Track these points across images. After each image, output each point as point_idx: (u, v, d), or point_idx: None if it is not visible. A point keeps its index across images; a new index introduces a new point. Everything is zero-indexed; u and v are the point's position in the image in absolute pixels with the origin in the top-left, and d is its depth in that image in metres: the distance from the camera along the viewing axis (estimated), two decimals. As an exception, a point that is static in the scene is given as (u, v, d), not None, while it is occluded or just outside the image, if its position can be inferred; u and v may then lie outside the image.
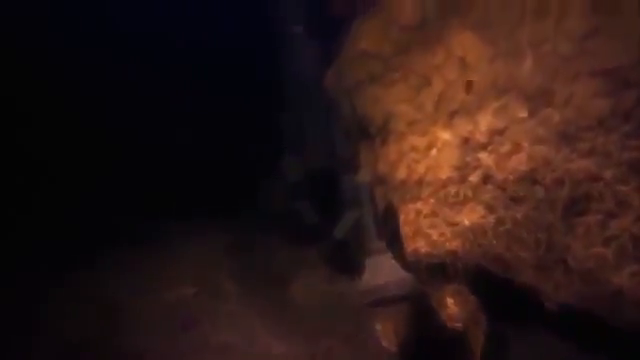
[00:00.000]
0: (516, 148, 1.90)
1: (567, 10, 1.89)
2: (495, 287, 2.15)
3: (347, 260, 2.35)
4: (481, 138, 2.03)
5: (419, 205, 2.29)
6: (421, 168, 2.28)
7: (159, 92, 2.89)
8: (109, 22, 2.79)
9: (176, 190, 2.92)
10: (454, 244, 2.16)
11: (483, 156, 2.05)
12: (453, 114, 2.18)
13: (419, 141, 2.31)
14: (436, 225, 2.23)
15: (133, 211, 2.83)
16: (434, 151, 2.26)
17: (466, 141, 2.10)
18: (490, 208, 2.04)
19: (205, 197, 2.83)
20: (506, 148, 1.93)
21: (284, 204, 2.68)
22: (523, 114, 1.91)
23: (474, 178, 2.09)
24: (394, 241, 2.19)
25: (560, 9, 1.91)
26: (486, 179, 2.04)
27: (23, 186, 2.87)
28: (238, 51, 2.82)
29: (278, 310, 2.41)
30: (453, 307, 2.34)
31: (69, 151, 3.00)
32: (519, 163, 1.88)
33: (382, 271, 2.12)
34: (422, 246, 2.27)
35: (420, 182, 2.27)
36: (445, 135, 2.22)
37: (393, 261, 2.17)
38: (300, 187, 2.62)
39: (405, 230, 2.22)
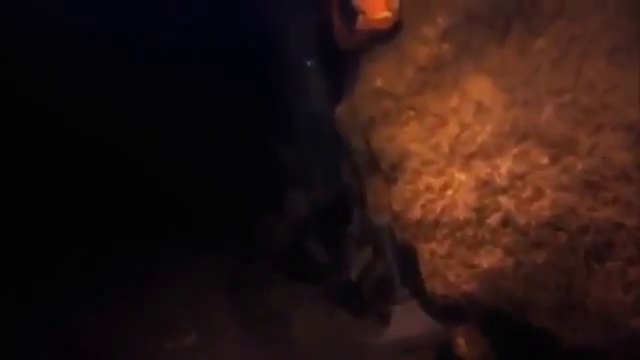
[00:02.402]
0: (539, 194, 2.01)
1: (586, 62, 2.05)
2: (509, 328, 2.24)
3: (364, 305, 2.39)
4: (501, 182, 2.14)
5: (434, 246, 2.37)
6: (437, 208, 2.36)
7: (158, 120, 2.88)
8: None
9: (168, 223, 2.89)
10: (471, 286, 2.25)
11: (503, 199, 2.15)
12: (470, 156, 2.29)
13: (434, 181, 2.40)
14: (452, 266, 2.31)
15: (121, 246, 2.77)
16: (450, 192, 2.35)
17: (485, 184, 2.20)
18: (509, 251, 2.14)
19: (199, 231, 2.82)
20: (528, 193, 2.04)
21: (289, 241, 2.70)
22: (544, 161, 2.03)
23: (493, 221, 2.18)
24: (414, 282, 2.25)
25: (579, 60, 2.07)
26: (505, 222, 2.14)
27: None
28: (242, 83, 2.85)
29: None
30: (464, 347, 2.42)
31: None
32: (542, 209, 1.99)
33: (409, 320, 2.16)
34: (437, 287, 2.34)
35: (436, 223, 2.35)
36: (462, 176, 2.32)
37: (420, 309, 2.22)
38: (308, 223, 2.65)
39: (421, 271, 2.29)
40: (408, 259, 2.27)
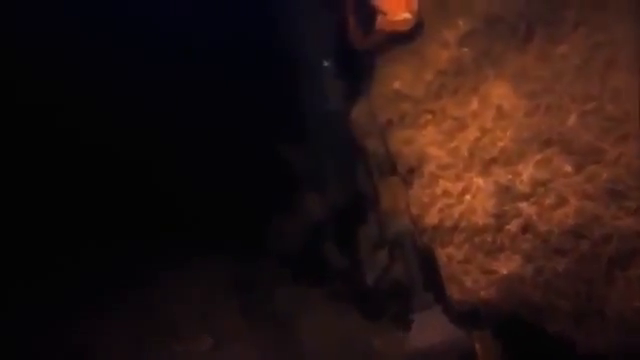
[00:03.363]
0: (562, 202, 2.05)
1: (610, 70, 2.09)
2: (525, 334, 2.28)
3: (381, 310, 2.40)
4: (522, 188, 2.17)
5: (451, 250, 2.39)
6: (455, 213, 2.39)
7: (168, 119, 2.86)
8: None
9: (176, 224, 2.87)
10: (489, 292, 2.27)
11: (523, 206, 2.18)
12: (490, 162, 2.32)
13: (452, 186, 2.42)
14: (469, 272, 2.33)
15: (128, 248, 2.74)
16: (468, 197, 2.38)
17: (505, 189, 2.24)
18: (529, 258, 2.17)
19: (207, 232, 2.80)
20: (551, 201, 2.08)
21: (302, 244, 2.70)
22: (568, 169, 2.06)
23: (512, 227, 2.21)
24: (436, 288, 2.27)
25: (603, 68, 2.11)
26: (526, 229, 2.17)
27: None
28: (256, 82, 2.85)
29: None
30: (479, 352, 2.45)
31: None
32: (565, 217, 2.03)
33: (431, 328, 2.17)
34: (454, 293, 2.36)
35: (453, 228, 2.37)
36: (480, 181, 2.34)
37: (443, 315, 2.24)
38: (322, 226, 2.66)
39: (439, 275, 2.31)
40: (429, 264, 2.29)
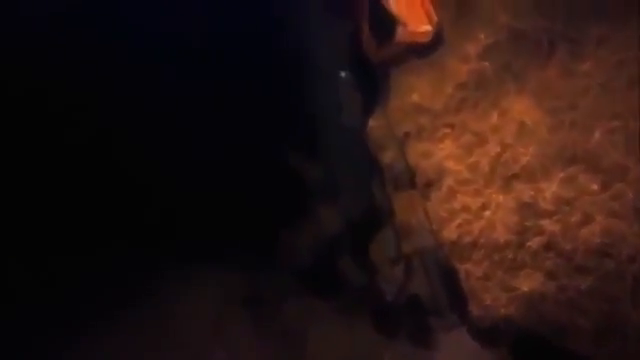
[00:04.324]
0: (588, 220, 2.07)
1: (634, 88, 2.12)
2: (543, 351, 2.29)
3: (399, 326, 2.38)
4: (546, 205, 2.19)
5: (470, 267, 2.40)
6: (474, 229, 2.40)
7: (177, 126, 2.82)
8: None
9: (183, 235, 2.82)
10: (509, 309, 2.29)
11: (546, 223, 2.20)
12: (512, 178, 2.34)
13: (471, 201, 2.44)
14: (489, 289, 2.35)
15: (135, 260, 2.68)
16: (488, 212, 2.39)
17: (527, 206, 2.26)
18: (551, 275, 2.19)
19: (216, 244, 2.76)
20: (576, 219, 2.10)
21: (317, 258, 2.67)
22: (594, 187, 2.08)
23: (534, 244, 2.24)
24: (459, 307, 2.27)
25: (627, 86, 2.14)
26: (548, 246, 2.20)
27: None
28: (270, 92, 2.83)
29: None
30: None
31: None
32: (591, 235, 2.05)
33: (457, 350, 2.16)
34: (473, 309, 2.37)
35: (473, 244, 2.39)
36: (501, 198, 2.36)
37: (468, 337, 2.23)
38: (338, 240, 2.63)
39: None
40: (451, 279, 2.29)
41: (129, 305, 2.56)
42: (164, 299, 2.66)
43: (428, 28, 2.53)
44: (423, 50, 2.64)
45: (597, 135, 2.16)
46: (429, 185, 2.56)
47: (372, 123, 2.71)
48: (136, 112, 2.77)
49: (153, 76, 2.76)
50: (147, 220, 2.79)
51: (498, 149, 2.41)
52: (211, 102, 2.81)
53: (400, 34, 2.58)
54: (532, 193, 2.25)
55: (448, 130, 2.56)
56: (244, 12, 2.85)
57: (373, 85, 2.79)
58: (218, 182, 2.87)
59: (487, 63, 2.51)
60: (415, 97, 2.60)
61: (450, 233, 2.47)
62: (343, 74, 2.72)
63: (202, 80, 2.81)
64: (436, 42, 2.59)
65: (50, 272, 2.58)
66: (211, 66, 2.79)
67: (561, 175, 2.20)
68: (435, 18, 2.57)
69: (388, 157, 2.68)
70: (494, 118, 2.47)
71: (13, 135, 2.83)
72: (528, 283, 2.25)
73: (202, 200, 2.86)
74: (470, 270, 2.40)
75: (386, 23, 2.72)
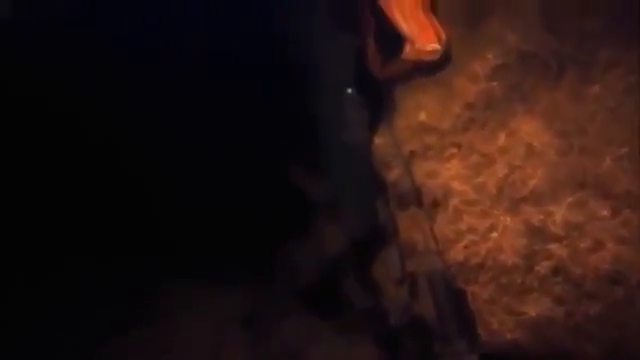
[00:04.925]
0: (598, 246, 2.08)
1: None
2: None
3: (403, 352, 2.37)
4: (555, 230, 2.21)
5: (476, 289, 2.41)
6: (481, 251, 2.40)
7: (177, 141, 2.80)
8: None
9: (179, 252, 2.79)
10: (516, 334, 2.29)
11: (555, 248, 2.22)
12: (520, 200, 2.35)
13: (478, 222, 2.44)
14: (495, 313, 2.35)
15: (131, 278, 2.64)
16: (495, 234, 2.40)
17: (535, 230, 2.27)
18: (559, 301, 2.20)
19: (213, 262, 2.74)
20: (586, 245, 2.11)
21: (318, 277, 2.66)
22: (605, 212, 2.10)
23: (542, 269, 2.25)
24: (464, 329, 2.26)
25: (635, 112, 2.16)
26: (557, 271, 2.21)
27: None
28: (272, 107, 2.81)
29: None
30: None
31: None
32: (602, 262, 2.07)
33: None
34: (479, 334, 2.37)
35: (479, 266, 2.39)
36: (508, 220, 2.37)
37: None
38: (341, 260, 2.62)
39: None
40: (458, 302, 2.28)
41: (127, 325, 2.53)
42: (163, 317, 2.63)
43: (436, 47, 2.53)
44: (430, 68, 2.65)
45: (607, 161, 2.18)
46: (435, 205, 2.56)
47: (377, 140, 2.70)
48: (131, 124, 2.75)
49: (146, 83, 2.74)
50: (146, 236, 2.77)
51: (506, 171, 2.42)
52: (213, 116, 2.80)
53: (408, 52, 2.58)
54: (541, 217, 2.26)
55: (455, 150, 2.57)
56: (246, 26, 2.83)
57: (378, 101, 2.79)
58: (218, 197, 2.85)
59: (495, 83, 2.52)
60: (422, 116, 2.60)
61: (456, 254, 2.47)
62: (349, 90, 2.72)
63: (204, 93, 2.79)
64: (444, 60, 2.60)
65: (45, 289, 2.55)
66: (212, 80, 2.77)
67: (571, 200, 2.21)
68: (443, 36, 2.58)
69: (393, 175, 2.67)
70: (502, 139, 2.48)
71: (13, 138, 2.79)
72: (536, 308, 2.26)
73: (202, 215, 2.85)
74: (476, 293, 2.40)
75: (392, 39, 2.73)
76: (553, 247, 2.23)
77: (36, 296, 2.54)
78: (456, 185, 2.55)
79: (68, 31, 2.80)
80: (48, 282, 2.60)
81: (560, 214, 2.21)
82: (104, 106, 2.79)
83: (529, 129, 2.44)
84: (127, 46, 2.76)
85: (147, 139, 2.78)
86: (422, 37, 2.56)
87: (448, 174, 2.58)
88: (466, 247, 2.46)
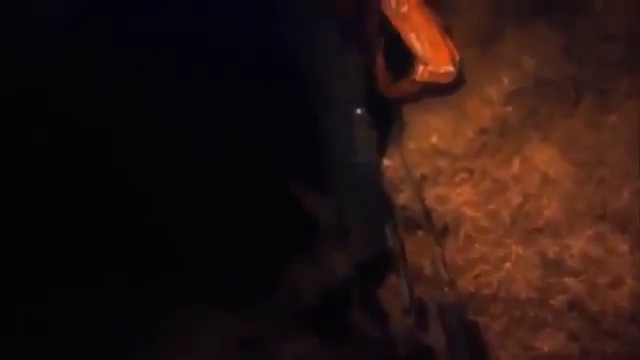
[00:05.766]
0: (617, 282, 2.05)
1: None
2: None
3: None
4: (572, 263, 2.19)
5: (487, 320, 2.36)
6: (493, 281, 2.36)
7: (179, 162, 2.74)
8: None
9: (177, 272, 2.72)
10: (529, 369, 2.25)
11: (571, 282, 2.19)
12: (535, 231, 2.31)
13: (490, 251, 2.40)
14: (507, 346, 2.31)
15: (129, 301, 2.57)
16: (508, 265, 2.36)
17: (551, 263, 2.24)
18: (574, 337, 2.18)
19: (214, 284, 2.67)
20: (604, 280, 2.08)
21: (322, 303, 2.59)
22: (624, 247, 2.07)
23: (557, 303, 2.22)
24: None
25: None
26: (572, 306, 2.18)
27: None
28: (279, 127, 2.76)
29: None
30: None
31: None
32: (620, 299, 2.04)
33: None
34: (490, 367, 2.33)
35: (491, 297, 2.35)
36: (522, 250, 2.33)
37: None
38: (348, 284, 2.56)
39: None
40: (473, 336, 2.24)
41: (127, 345, 2.45)
42: (163, 337, 2.56)
43: (451, 69, 2.49)
44: (441, 89, 2.61)
45: (626, 195, 2.16)
46: (445, 231, 2.52)
47: (387, 162, 2.65)
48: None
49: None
50: (148, 255, 2.70)
51: (520, 199, 2.39)
52: (221, 135, 2.74)
53: (420, 73, 2.53)
54: (557, 249, 2.24)
55: (467, 175, 2.53)
56: (254, 44, 2.77)
57: (387, 122, 2.74)
58: (222, 216, 2.79)
59: (510, 108, 2.49)
60: (434, 138, 2.55)
61: (467, 283, 2.43)
62: (359, 111, 2.66)
63: (212, 111, 2.73)
64: (457, 83, 2.56)
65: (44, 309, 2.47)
66: (219, 98, 2.71)
67: (589, 233, 2.19)
68: (457, 57, 2.54)
69: (402, 198, 2.62)
70: (516, 166, 2.45)
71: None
72: (550, 343, 2.22)
73: (205, 234, 2.78)
74: (488, 325, 2.36)
75: (403, 57, 2.68)
76: (569, 281, 2.20)
77: (35, 316, 2.47)
78: (468, 211, 2.51)
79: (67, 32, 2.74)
80: (47, 303, 2.53)
81: (577, 247, 2.18)
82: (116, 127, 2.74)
83: (544, 157, 2.41)
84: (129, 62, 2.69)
85: (154, 156, 2.72)
86: (436, 58, 2.52)
87: (459, 200, 2.54)
88: (477, 277, 2.42)
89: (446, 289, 2.32)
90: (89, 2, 2.85)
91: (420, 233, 2.64)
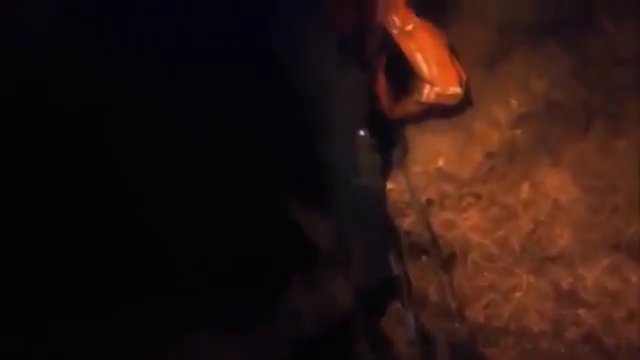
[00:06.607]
0: (631, 316, 2.01)
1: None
2: None
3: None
4: (586, 295, 2.15)
5: (496, 352, 2.31)
6: (503, 312, 2.31)
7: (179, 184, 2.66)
8: None
9: (176, 296, 2.64)
10: (542, 405, 2.20)
11: (585, 314, 2.15)
12: (546, 260, 2.27)
13: (500, 280, 2.36)
14: (519, 380, 2.26)
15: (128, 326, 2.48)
16: (518, 295, 2.31)
17: (564, 293, 2.20)
18: (589, 371, 2.12)
19: (211, 309, 2.59)
20: (620, 314, 2.05)
21: (323, 332, 2.52)
22: (637, 280, 2.03)
23: (571, 335, 2.17)
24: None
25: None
26: (587, 339, 2.13)
27: None
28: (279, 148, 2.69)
29: None
30: None
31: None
32: (635, 333, 1.99)
33: None
34: (501, 402, 2.28)
35: (502, 329, 2.29)
36: (534, 280, 2.28)
37: None
38: (350, 313, 2.49)
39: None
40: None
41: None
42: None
43: (458, 91, 2.45)
44: (447, 111, 2.56)
45: (636, 223, 2.13)
46: (452, 258, 2.47)
47: (391, 186, 2.60)
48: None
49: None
50: (143, 281, 2.61)
51: (531, 226, 2.36)
52: (221, 158, 2.66)
53: (426, 95, 2.49)
54: (570, 280, 2.20)
55: (474, 200, 2.48)
56: (248, 61, 2.70)
57: (391, 143, 2.69)
58: (221, 240, 2.71)
59: (519, 131, 2.46)
60: (440, 162, 2.51)
61: (476, 314, 2.38)
62: (362, 133, 2.60)
63: (211, 134, 2.65)
64: (463, 104, 2.52)
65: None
66: (217, 120, 2.63)
67: (604, 263, 2.15)
68: (464, 77, 2.49)
69: (407, 223, 2.57)
70: (525, 192, 2.41)
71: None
72: (563, 377, 2.18)
73: (203, 257, 2.70)
74: (498, 357, 2.31)
75: (404, 74, 2.63)
76: (583, 313, 2.17)
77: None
78: (475, 238, 2.47)
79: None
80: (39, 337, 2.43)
81: (592, 278, 2.14)
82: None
83: (555, 182, 2.38)
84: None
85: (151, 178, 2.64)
86: (443, 79, 2.48)
87: (467, 225, 2.50)
88: (486, 307, 2.37)
89: (457, 324, 2.27)
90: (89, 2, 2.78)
91: (425, 258, 2.60)
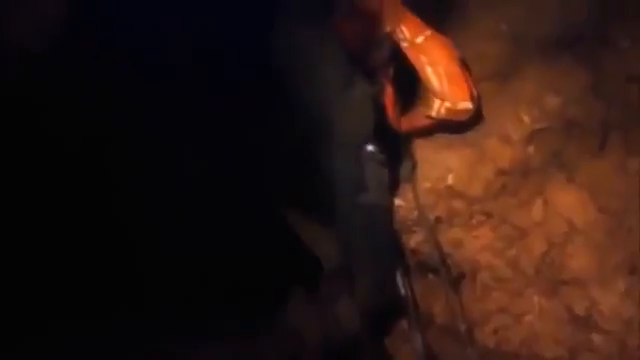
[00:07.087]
0: (651, 344, 1.95)
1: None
2: None
3: None
4: (601, 322, 2.08)
5: (507, 378, 2.24)
6: (514, 337, 2.25)
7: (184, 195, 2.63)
8: None
9: (169, 308, 2.59)
10: None
11: (599, 340, 2.08)
12: (560, 283, 2.21)
13: (511, 303, 2.29)
14: (531, 407, 2.19)
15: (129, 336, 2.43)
16: (530, 318, 2.25)
17: (578, 318, 2.13)
18: (605, 399, 2.05)
19: (212, 322, 2.53)
20: (637, 343, 1.96)
21: (324, 354, 2.45)
22: (657, 306, 1.97)
23: (585, 360, 2.10)
24: None
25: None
26: (602, 367, 2.06)
27: None
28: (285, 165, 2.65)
29: None
30: None
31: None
32: (654, 361, 1.93)
33: None
34: None
35: (513, 355, 2.23)
36: (546, 303, 2.22)
37: None
38: (353, 335, 2.42)
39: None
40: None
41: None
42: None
43: (469, 106, 2.40)
44: (457, 126, 2.50)
45: (657, 247, 2.07)
46: (460, 278, 2.40)
47: (398, 202, 2.53)
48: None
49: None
50: (133, 291, 2.55)
51: (544, 247, 2.29)
52: (220, 171, 2.61)
53: (437, 110, 2.43)
54: (586, 304, 2.13)
55: (484, 218, 2.42)
56: (251, 72, 2.66)
57: (399, 158, 2.63)
58: (222, 255, 2.66)
59: (532, 148, 2.40)
60: (450, 179, 2.44)
61: (485, 338, 2.32)
62: (370, 147, 2.54)
63: (211, 147, 2.61)
64: (474, 119, 2.46)
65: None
66: (219, 134, 2.59)
67: (621, 287, 2.08)
68: (475, 92, 2.44)
69: (414, 241, 2.50)
70: (538, 211, 2.35)
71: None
72: (578, 405, 2.11)
73: (203, 273, 2.65)
74: (508, 382, 2.24)
75: (413, 87, 2.58)
76: (597, 339, 2.10)
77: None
78: (485, 258, 2.41)
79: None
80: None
81: (608, 304, 2.07)
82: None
83: (569, 202, 2.32)
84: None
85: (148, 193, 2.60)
86: (454, 94, 2.42)
87: (476, 245, 2.43)
88: (496, 331, 2.30)
89: (468, 349, 2.20)
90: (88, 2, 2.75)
91: (431, 277, 2.53)
